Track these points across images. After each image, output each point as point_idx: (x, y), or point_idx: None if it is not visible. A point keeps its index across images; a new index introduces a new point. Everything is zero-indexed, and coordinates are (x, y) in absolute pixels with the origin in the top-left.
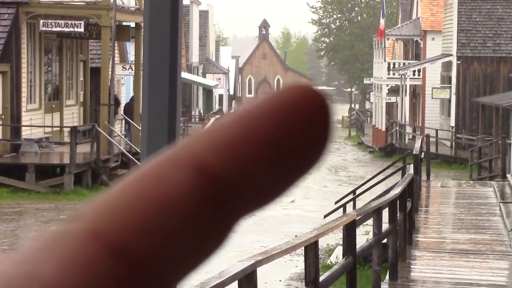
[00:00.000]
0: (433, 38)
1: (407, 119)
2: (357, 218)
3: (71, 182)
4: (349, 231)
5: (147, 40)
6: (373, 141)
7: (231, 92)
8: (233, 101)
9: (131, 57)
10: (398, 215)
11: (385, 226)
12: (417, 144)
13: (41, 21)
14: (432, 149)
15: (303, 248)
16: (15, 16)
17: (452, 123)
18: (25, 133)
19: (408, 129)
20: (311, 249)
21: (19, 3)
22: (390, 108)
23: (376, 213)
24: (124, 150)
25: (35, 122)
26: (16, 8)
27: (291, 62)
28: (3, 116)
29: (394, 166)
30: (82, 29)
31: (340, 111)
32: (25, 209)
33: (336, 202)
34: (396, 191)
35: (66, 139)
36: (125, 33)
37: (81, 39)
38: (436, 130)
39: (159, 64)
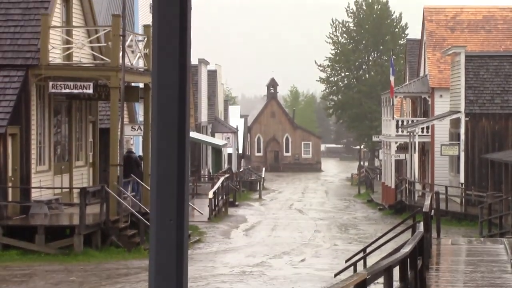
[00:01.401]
0: (441, 95)
1: (417, 176)
2: (367, 277)
3: (81, 243)
4: None
5: (155, 102)
6: (382, 199)
7: (240, 151)
8: (242, 159)
9: (140, 117)
10: (408, 273)
11: (396, 284)
12: (427, 202)
13: (50, 83)
14: (442, 206)
15: None
16: (24, 78)
17: (462, 180)
18: (35, 194)
19: (418, 186)
20: None
21: (29, 66)
22: (399, 165)
23: (387, 272)
24: (133, 211)
25: (44, 183)
26: (25, 71)
27: (300, 120)
28: (12, 178)
29: (404, 224)
30: (91, 90)
31: (349, 168)
32: (35, 271)
33: (346, 261)
34: (407, 249)
35: (76, 200)
36: (134, 93)
37: (90, 100)
38: (446, 187)
39: (168, 126)
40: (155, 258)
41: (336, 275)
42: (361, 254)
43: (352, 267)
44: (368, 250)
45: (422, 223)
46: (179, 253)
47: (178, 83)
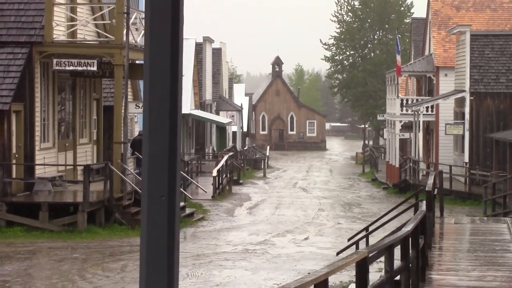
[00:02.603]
0: (446, 74)
1: (421, 155)
2: (368, 256)
3: (85, 221)
4: (361, 268)
5: (147, 77)
6: (387, 178)
7: (245, 129)
8: (247, 138)
9: None
10: (410, 252)
11: (397, 263)
12: (430, 181)
13: (55, 60)
14: (446, 185)
15: (313, 286)
16: (28, 55)
17: (466, 159)
18: (39, 171)
19: (422, 165)
20: (321, 287)
21: (33, 43)
22: (404, 144)
23: (387, 250)
24: (137, 188)
25: (48, 160)
26: (29, 48)
27: (305, 99)
28: (16, 155)
29: (407, 202)
30: (95, 68)
31: (354, 147)
32: (39, 248)
33: (349, 239)
34: (408, 228)
35: (80, 177)
36: (138, 71)
37: (94, 77)
38: (450, 166)
39: (160, 102)
40: (147, 235)
41: (338, 253)
42: (364, 233)
43: (355, 245)
44: (371, 229)
45: (424, 202)
46: (170, 229)
47: (170, 59)
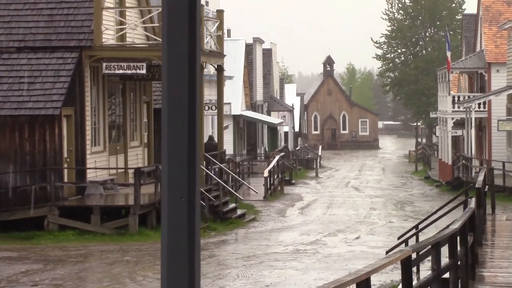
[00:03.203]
0: (497, 70)
1: (473, 152)
2: (413, 254)
3: (136, 223)
4: (406, 266)
5: (164, 77)
6: (439, 175)
7: (297, 129)
8: (299, 138)
9: None
10: (459, 249)
11: (446, 260)
12: (480, 177)
13: (104, 64)
14: (499, 182)
15: (354, 285)
16: (78, 60)
17: None
18: (90, 175)
19: (475, 162)
20: (363, 286)
21: (82, 47)
22: (456, 142)
23: (434, 248)
24: None
25: (99, 164)
26: (79, 52)
27: (357, 98)
28: (68, 159)
29: (458, 200)
30: (144, 71)
31: (407, 145)
32: (91, 251)
33: (399, 238)
34: (456, 225)
35: (131, 180)
36: None
37: (143, 80)
38: (503, 163)
39: (178, 102)
40: (167, 236)
41: (387, 252)
42: (414, 231)
43: (404, 244)
44: (421, 227)
45: (473, 199)
46: (190, 230)
47: (187, 59)
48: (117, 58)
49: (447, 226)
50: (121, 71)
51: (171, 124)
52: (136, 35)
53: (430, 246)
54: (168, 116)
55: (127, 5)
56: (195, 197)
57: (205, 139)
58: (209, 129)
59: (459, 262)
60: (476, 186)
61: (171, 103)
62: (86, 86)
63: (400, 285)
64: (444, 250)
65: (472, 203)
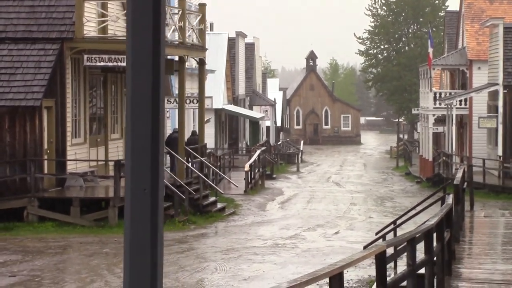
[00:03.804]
0: (479, 68)
1: (454, 149)
2: (388, 249)
3: (116, 216)
4: (380, 261)
5: (129, 68)
6: (420, 172)
7: (279, 124)
8: (281, 132)
9: (176, 90)
10: (435, 245)
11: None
12: (459, 174)
13: (85, 56)
14: (479, 179)
15: (328, 279)
16: (59, 51)
17: (500, 153)
18: (70, 167)
19: (456, 159)
20: (336, 280)
21: (64, 39)
22: (438, 138)
23: (409, 244)
24: (168, 183)
25: (80, 156)
26: (60, 44)
27: (339, 93)
28: (48, 151)
29: (437, 195)
30: (125, 63)
31: (389, 141)
32: (70, 243)
33: (377, 233)
34: (432, 221)
35: (111, 172)
36: (169, 66)
37: (125, 73)
38: (483, 160)
39: (142, 92)
40: (130, 228)
41: (365, 247)
42: (392, 227)
43: (381, 239)
44: (400, 222)
45: (451, 195)
46: (153, 223)
47: (152, 51)
48: (99, 50)
49: (425, 222)
50: (102, 63)
51: (134, 116)
52: (117, 28)
53: (405, 242)
54: (131, 108)
55: None
56: (158, 189)
57: (187, 133)
58: (190, 122)
59: (435, 258)
60: (455, 182)
61: (135, 94)
62: (67, 78)
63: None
64: (421, 246)
65: (450, 199)
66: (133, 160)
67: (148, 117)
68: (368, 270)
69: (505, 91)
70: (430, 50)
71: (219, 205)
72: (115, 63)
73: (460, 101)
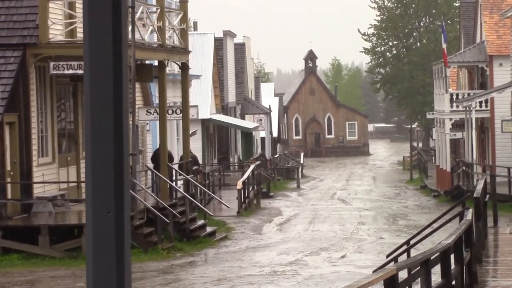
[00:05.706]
0: (500, 64)
1: (475, 157)
2: (399, 273)
3: None
4: (389, 287)
5: (87, 81)
6: (437, 184)
7: (275, 134)
8: (278, 144)
9: (157, 99)
10: (453, 268)
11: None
12: (479, 186)
13: (51, 64)
14: (504, 190)
15: None
16: (22, 59)
17: None
18: (37, 190)
19: (477, 169)
20: None
21: (26, 45)
22: (456, 145)
23: (423, 266)
24: (149, 206)
25: (48, 178)
26: (23, 50)
27: (343, 97)
28: (11, 173)
29: (456, 210)
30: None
31: (401, 150)
32: (39, 278)
33: (387, 256)
34: (449, 240)
35: (84, 196)
36: (147, 72)
37: None
38: (508, 169)
39: (103, 106)
40: (93, 256)
41: (375, 271)
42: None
43: (393, 262)
44: (413, 242)
45: (470, 210)
46: (119, 249)
47: (112, 55)
48: (67, 56)
49: (441, 242)
50: (71, 71)
51: (95, 131)
52: None
53: (419, 264)
54: (91, 122)
55: None
56: (124, 212)
57: (170, 147)
58: (173, 136)
59: (453, 282)
60: (474, 195)
61: (94, 105)
62: (32, 89)
63: None
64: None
65: (469, 214)
66: (94, 181)
67: (110, 130)
68: None
69: None
70: (444, 45)
71: (208, 229)
72: None
73: (480, 102)
